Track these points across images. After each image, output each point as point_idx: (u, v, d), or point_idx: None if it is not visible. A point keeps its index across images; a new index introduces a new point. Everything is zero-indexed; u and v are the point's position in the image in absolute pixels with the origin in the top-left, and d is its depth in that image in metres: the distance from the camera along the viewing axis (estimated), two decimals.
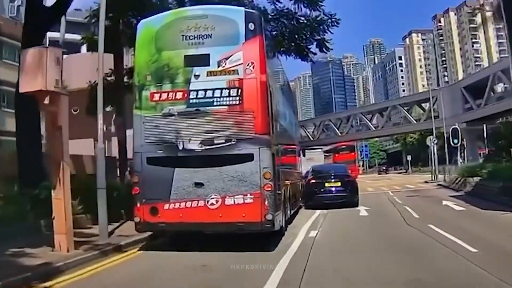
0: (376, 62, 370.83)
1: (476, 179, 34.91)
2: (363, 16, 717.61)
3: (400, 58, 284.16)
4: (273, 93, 15.85)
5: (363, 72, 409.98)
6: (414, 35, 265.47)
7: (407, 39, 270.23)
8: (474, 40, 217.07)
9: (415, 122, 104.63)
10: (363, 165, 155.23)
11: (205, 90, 14.42)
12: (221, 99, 14.37)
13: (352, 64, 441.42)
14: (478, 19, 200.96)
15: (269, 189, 13.93)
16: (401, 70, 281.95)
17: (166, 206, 14.24)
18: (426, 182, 56.22)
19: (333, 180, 28.47)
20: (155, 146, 14.56)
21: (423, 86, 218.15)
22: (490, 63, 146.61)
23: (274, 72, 18.77)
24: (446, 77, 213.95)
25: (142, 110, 14.79)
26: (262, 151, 14.05)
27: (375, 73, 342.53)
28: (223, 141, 14.17)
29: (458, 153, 51.24)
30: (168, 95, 14.71)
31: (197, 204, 14.04)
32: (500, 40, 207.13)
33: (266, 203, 13.83)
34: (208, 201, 14.02)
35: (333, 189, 28.10)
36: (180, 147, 14.41)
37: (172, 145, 14.45)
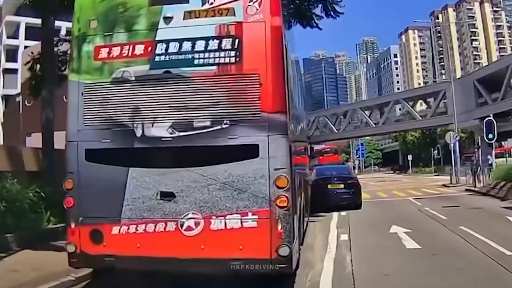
0: (369, 61, 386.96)
1: None
2: (356, 14, 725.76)
3: (395, 55, 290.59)
4: (288, 51, 11.80)
5: (355, 71, 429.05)
6: (410, 32, 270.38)
7: (403, 36, 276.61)
8: (473, 38, 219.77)
9: (420, 118, 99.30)
10: (359, 165, 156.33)
11: (181, 42, 10.57)
12: (207, 55, 10.43)
13: (345, 63, 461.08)
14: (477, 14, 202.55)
15: (285, 205, 10.00)
16: (396, 68, 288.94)
17: (116, 230, 10.46)
18: (445, 185, 50.39)
19: (336, 182, 28.78)
20: (99, 132, 10.72)
21: (419, 84, 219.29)
22: (492, 57, 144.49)
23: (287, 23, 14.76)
24: (443, 75, 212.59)
25: (81, 75, 10.95)
26: (274, 141, 10.12)
27: (369, 71, 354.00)
28: (209, 123, 10.30)
29: (493, 152, 45.96)
30: (122, 50, 10.80)
31: (165, 228, 10.25)
32: (499, 38, 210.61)
33: (279, 228, 9.91)
34: (182, 224, 10.20)
35: (336, 191, 28.33)
36: (139, 134, 10.53)
37: (126, 131, 10.60)
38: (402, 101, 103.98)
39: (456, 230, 18.68)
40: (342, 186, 28.70)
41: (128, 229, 10.38)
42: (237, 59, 10.33)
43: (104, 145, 10.64)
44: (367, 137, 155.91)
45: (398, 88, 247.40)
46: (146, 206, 10.39)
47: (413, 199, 35.04)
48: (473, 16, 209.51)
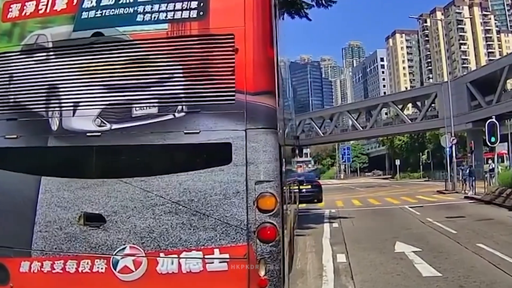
0: (355, 65, 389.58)
1: None
2: (342, 19, 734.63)
3: (382, 59, 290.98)
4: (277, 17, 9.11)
5: (341, 75, 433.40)
6: (397, 35, 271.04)
7: (390, 40, 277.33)
8: (461, 41, 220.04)
9: (409, 121, 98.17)
10: (344, 170, 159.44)
11: None
12: (156, 7, 7.77)
13: (330, 67, 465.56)
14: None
15: (272, 238, 7.30)
16: (383, 72, 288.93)
17: (25, 266, 7.66)
18: (440, 192, 49.29)
19: (305, 184, 37.49)
20: (1, 123, 8.16)
21: (406, 88, 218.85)
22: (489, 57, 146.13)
23: None
24: (431, 79, 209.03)
25: None
26: (256, 137, 7.41)
27: (355, 75, 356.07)
28: (155, 111, 7.67)
29: (496, 156, 42.56)
30: (37, 6, 8.20)
31: (91, 268, 7.47)
32: (488, 42, 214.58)
33: (262, 273, 7.21)
34: (116, 263, 7.42)
35: (306, 189, 37.08)
36: (54, 126, 7.88)
37: (38, 122, 7.97)
38: (391, 103, 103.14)
39: (475, 249, 16.42)
40: (309, 186, 38.64)
41: (42, 266, 7.73)
42: (201, 13, 7.67)
43: (7, 142, 8.15)
44: (353, 141, 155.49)
45: (385, 93, 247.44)
46: (65, 234, 7.74)
47: (410, 207, 33.19)
48: (462, 20, 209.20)
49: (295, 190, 17.10)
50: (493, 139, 38.05)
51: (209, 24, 7.70)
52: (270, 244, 7.40)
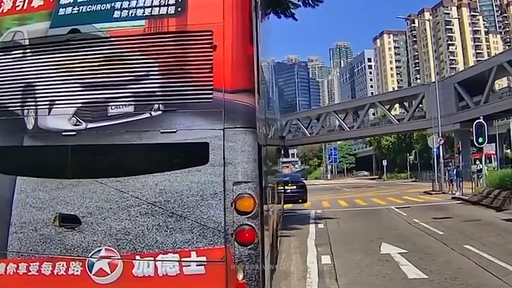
0: (342, 65, 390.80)
1: None
2: (330, 19, 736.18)
3: (369, 60, 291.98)
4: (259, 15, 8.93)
5: (328, 76, 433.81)
6: (385, 36, 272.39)
7: (378, 40, 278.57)
8: (450, 42, 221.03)
9: (397, 122, 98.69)
10: (331, 170, 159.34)
11: None
12: (133, 4, 7.69)
13: (318, 67, 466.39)
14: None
15: (250, 241, 7.19)
16: (370, 73, 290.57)
17: (0, 269, 7.62)
18: (427, 193, 48.85)
19: (291, 184, 39.11)
20: None
21: (393, 88, 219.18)
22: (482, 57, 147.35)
23: None
24: (418, 80, 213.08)
25: None
26: (234, 137, 7.32)
27: (342, 76, 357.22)
28: (131, 109, 7.54)
29: (483, 157, 42.64)
30: (14, 2, 8.15)
31: (67, 271, 7.36)
32: (477, 43, 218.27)
33: (240, 277, 7.09)
34: (91, 265, 7.34)
35: (291, 190, 38.60)
36: (30, 125, 7.82)
37: (13, 120, 7.92)
38: (378, 104, 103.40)
39: (462, 250, 16.30)
40: (295, 187, 40.15)
41: (17, 268, 7.63)
42: (179, 9, 7.61)
43: None
44: (340, 142, 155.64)
45: (372, 93, 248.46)
46: (40, 235, 7.61)
47: (396, 208, 32.98)
48: (450, 21, 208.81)
49: (279, 191, 16.95)
50: (480, 140, 37.66)
51: (187, 21, 7.55)
52: (248, 247, 7.25)
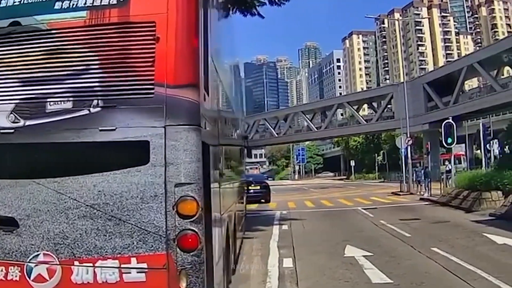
0: (311, 66, 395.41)
1: (496, 193, 28.04)
2: (299, 19, 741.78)
3: (338, 60, 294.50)
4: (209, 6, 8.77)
5: (297, 76, 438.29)
6: (354, 36, 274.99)
7: (347, 41, 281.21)
8: (419, 43, 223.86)
9: (365, 122, 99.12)
10: (299, 170, 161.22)
11: None
12: None
13: (286, 68, 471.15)
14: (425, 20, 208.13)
15: (193, 247, 6.95)
16: (339, 73, 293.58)
17: None
18: (395, 193, 48.98)
19: (255, 185, 40.29)
20: None
21: (362, 89, 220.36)
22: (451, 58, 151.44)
23: None
24: (387, 80, 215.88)
25: None
26: (176, 135, 7.05)
27: (311, 76, 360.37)
28: (70, 105, 7.22)
29: (452, 158, 43.34)
30: None
31: (6, 276, 7.17)
32: (447, 44, 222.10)
33: (183, 285, 6.91)
34: (30, 271, 7.10)
35: (255, 190, 39.78)
36: None
37: None
38: (347, 104, 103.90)
39: (429, 253, 16.32)
40: (258, 187, 41.09)
41: None
42: (121, 0, 7.35)
43: None
44: (308, 142, 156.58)
45: (341, 93, 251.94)
46: None
47: (363, 209, 33.21)
48: (420, 21, 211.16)
49: (240, 192, 17.28)
50: (449, 140, 37.95)
51: (129, 11, 7.27)
52: (191, 254, 6.95)
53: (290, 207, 37.35)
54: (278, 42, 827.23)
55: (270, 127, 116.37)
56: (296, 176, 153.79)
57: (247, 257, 16.38)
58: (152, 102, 6.97)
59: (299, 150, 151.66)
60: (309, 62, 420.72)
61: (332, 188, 71.16)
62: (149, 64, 7.03)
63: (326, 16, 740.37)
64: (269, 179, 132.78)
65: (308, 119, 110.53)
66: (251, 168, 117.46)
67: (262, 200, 40.65)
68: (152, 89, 6.95)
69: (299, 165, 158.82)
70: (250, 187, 36.28)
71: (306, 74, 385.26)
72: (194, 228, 6.91)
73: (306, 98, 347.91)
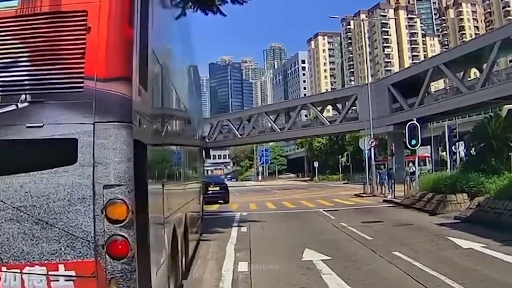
0: (276, 67, 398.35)
1: (462, 196, 28.11)
2: (264, 20, 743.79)
3: (303, 61, 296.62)
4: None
5: (262, 77, 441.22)
6: (320, 37, 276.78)
7: (313, 42, 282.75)
8: (385, 45, 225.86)
9: (328, 124, 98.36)
10: (263, 171, 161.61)
11: None
12: None
13: (251, 69, 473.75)
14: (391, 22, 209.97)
15: (123, 254, 6.70)
16: (304, 74, 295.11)
17: None
18: (358, 195, 49.05)
19: (214, 185, 42.75)
20: None
21: (327, 90, 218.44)
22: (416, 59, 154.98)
23: None
24: (352, 82, 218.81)
25: None
26: (105, 133, 6.82)
27: (276, 77, 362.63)
28: None
29: (417, 160, 42.76)
30: None
31: None
32: (413, 46, 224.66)
33: None
34: None
35: (214, 191, 41.94)
36: None
37: None
38: (310, 105, 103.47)
39: (390, 257, 16.19)
40: (217, 188, 43.17)
41: None
42: None
43: None
44: (272, 143, 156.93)
45: (305, 94, 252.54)
46: None
47: (325, 211, 33.26)
48: (387, 23, 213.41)
49: (191, 193, 16.68)
50: (413, 142, 38.20)
51: (61, 0, 7.06)
52: (121, 261, 6.61)
53: (252, 208, 37.45)
54: (244, 43, 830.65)
55: (233, 128, 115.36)
56: (260, 177, 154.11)
57: (202, 261, 16.21)
58: (81, 97, 6.69)
59: (262, 151, 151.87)
60: (274, 63, 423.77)
61: (295, 190, 71.33)
62: (79, 56, 6.76)
63: (292, 17, 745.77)
64: (232, 180, 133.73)
65: (272, 120, 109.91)
66: (215, 169, 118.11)
67: (221, 201, 42.32)
68: (82, 82, 6.66)
69: (263, 166, 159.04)
70: (209, 188, 38.41)
71: (271, 75, 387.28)
72: (124, 234, 6.59)
73: (271, 99, 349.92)
